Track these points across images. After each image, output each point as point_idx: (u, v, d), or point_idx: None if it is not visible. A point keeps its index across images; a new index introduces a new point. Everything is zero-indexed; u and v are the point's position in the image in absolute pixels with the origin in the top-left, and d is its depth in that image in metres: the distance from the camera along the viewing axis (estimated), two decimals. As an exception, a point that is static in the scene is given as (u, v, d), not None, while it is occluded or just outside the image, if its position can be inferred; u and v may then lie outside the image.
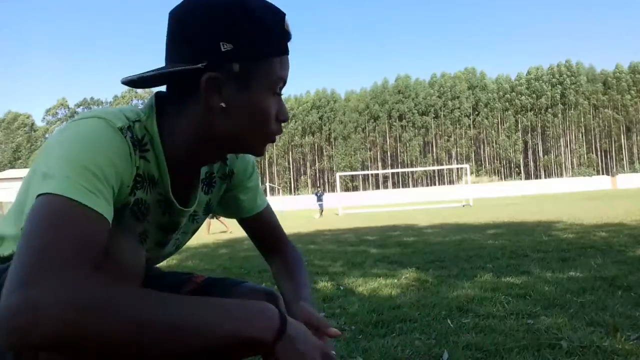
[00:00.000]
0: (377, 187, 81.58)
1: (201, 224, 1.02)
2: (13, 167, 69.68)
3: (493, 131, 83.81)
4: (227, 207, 1.04)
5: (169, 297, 0.59)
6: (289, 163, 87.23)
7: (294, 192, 79.87)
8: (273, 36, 0.75)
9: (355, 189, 76.67)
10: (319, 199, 22.63)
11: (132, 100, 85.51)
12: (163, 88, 0.81)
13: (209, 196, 0.96)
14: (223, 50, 0.72)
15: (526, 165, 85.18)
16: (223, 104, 0.74)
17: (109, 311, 0.54)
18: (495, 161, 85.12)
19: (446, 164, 79.23)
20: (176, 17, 0.76)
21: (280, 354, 0.63)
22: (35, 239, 0.58)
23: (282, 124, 0.83)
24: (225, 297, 0.68)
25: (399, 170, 34.72)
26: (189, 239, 1.03)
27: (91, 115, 0.73)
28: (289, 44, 0.79)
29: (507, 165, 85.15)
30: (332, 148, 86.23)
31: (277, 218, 1.10)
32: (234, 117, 0.76)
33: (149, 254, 0.89)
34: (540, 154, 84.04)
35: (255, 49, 0.74)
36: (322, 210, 21.65)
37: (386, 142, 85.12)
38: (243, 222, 1.07)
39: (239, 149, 0.85)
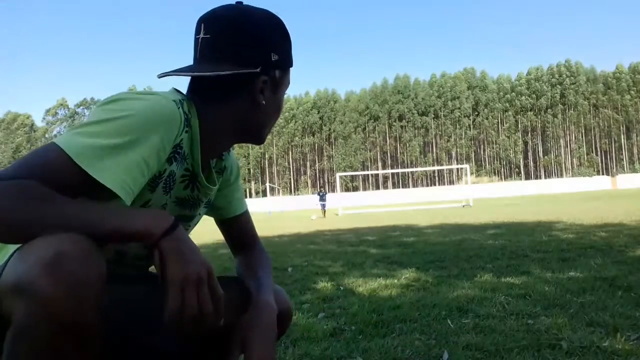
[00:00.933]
0: (377, 188, 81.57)
1: (200, 218, 1.05)
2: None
3: (493, 131, 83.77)
4: (220, 203, 1.09)
5: (72, 201, 0.67)
6: (289, 163, 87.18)
7: (294, 192, 79.85)
8: (291, 51, 0.96)
9: (356, 189, 76.70)
10: (322, 199, 22.56)
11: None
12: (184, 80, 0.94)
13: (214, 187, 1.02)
14: (273, 60, 0.89)
15: (526, 165, 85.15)
16: (264, 102, 0.91)
17: (18, 205, 0.62)
18: (495, 161, 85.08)
19: (446, 164, 79.22)
20: (225, 26, 0.87)
21: (163, 248, 0.69)
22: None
23: None
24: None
25: (399, 170, 34.72)
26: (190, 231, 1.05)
27: (148, 92, 0.82)
28: None
29: (507, 165, 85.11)
30: (332, 148, 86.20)
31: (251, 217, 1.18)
32: (266, 113, 0.94)
33: None
34: (540, 154, 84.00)
35: (287, 61, 0.94)
36: (324, 211, 21.62)
37: (386, 142, 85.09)
38: (228, 221, 1.13)
39: (254, 138, 0.98)
